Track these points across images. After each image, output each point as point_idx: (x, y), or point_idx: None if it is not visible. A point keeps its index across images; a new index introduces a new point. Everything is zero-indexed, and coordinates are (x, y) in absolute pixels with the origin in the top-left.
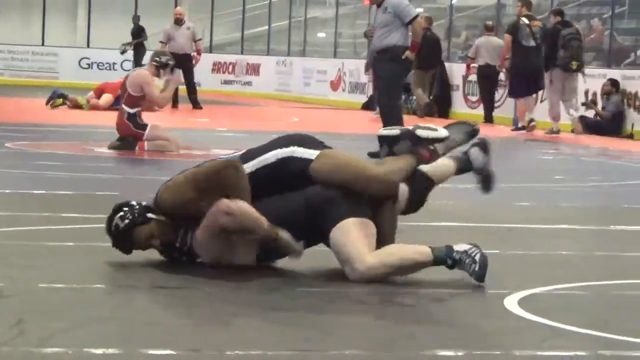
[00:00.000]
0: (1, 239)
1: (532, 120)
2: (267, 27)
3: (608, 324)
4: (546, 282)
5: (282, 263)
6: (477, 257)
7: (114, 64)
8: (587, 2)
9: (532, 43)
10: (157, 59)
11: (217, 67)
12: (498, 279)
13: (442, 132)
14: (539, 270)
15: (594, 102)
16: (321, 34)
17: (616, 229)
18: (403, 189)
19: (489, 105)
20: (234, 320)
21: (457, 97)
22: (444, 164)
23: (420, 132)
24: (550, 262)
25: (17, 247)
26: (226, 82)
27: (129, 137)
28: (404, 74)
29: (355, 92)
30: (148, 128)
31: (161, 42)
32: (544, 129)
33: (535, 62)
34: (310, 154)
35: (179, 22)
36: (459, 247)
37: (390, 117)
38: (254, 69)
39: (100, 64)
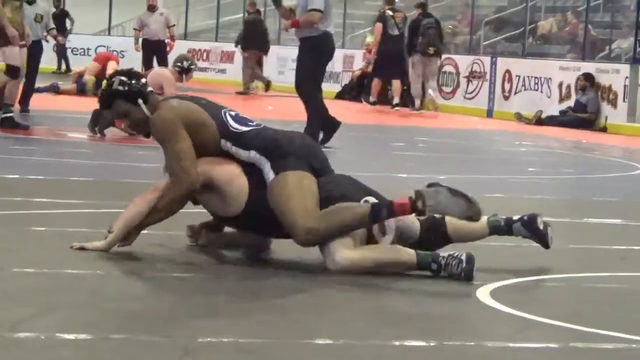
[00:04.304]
0: None
1: (397, 104)
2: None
3: (580, 316)
4: (519, 273)
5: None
6: (463, 257)
7: (88, 49)
8: None
9: (396, 32)
10: (179, 64)
11: (192, 55)
12: None
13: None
14: (512, 262)
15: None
16: None
17: (589, 221)
18: (415, 227)
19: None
20: (207, 307)
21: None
22: (476, 227)
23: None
24: (523, 254)
25: None
26: (200, 70)
27: None
28: (323, 63)
29: (329, 82)
30: None
31: (135, 29)
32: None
33: (397, 48)
34: (268, 177)
35: (152, 8)
36: (444, 252)
37: (312, 106)
38: (229, 57)
39: (75, 49)
